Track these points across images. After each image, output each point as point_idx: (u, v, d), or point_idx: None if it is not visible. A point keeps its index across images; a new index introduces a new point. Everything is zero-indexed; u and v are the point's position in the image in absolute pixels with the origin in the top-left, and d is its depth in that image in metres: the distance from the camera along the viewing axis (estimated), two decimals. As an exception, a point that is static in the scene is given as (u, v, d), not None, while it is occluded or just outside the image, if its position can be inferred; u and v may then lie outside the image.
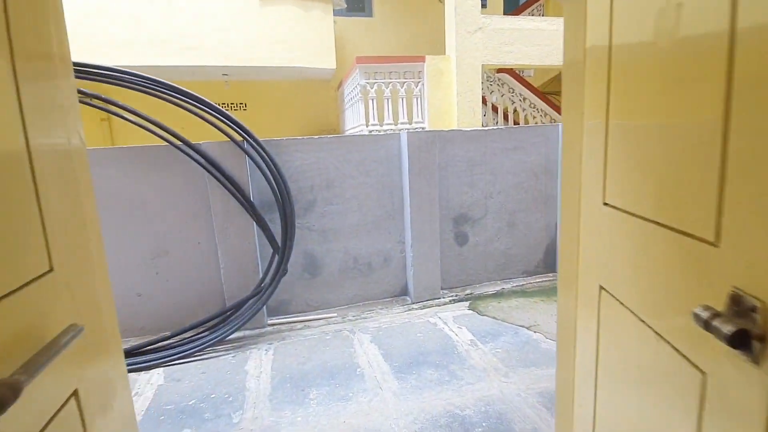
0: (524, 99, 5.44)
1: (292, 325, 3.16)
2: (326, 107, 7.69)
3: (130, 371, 2.56)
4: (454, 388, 2.22)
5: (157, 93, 2.59)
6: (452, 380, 2.30)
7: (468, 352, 2.59)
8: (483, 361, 2.48)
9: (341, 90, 6.81)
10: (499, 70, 5.32)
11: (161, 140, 2.75)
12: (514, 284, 3.80)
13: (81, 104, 2.69)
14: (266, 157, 2.86)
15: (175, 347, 2.78)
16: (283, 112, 7.46)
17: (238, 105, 7.10)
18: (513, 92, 5.38)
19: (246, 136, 2.82)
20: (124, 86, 2.54)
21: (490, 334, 2.83)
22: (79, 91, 2.48)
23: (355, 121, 5.62)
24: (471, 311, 3.27)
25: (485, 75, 5.00)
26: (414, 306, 3.40)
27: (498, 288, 3.71)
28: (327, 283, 3.38)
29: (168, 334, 2.83)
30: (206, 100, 2.69)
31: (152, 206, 2.93)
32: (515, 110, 5.52)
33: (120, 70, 2.52)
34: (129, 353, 2.70)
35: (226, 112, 2.74)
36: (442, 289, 3.59)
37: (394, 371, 2.43)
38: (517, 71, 5.45)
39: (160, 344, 2.78)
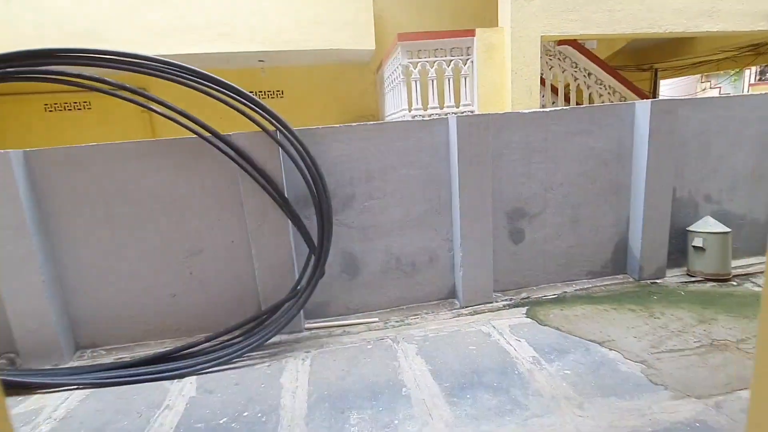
0: (589, 74, 4.81)
1: (331, 330, 2.92)
2: (365, 93, 7.37)
3: (162, 378, 2.43)
4: (518, 421, 1.88)
5: (183, 80, 2.38)
6: (515, 409, 1.96)
7: (531, 373, 2.23)
8: (550, 386, 2.11)
9: (381, 73, 6.44)
10: (560, 42, 4.72)
11: (191, 132, 2.55)
12: (578, 287, 3.35)
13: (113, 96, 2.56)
14: (300, 148, 2.59)
15: (209, 353, 2.63)
16: (320, 99, 7.22)
17: (275, 93, 6.94)
18: (576, 67, 4.76)
19: (278, 125, 2.56)
20: (147, 73, 2.34)
21: (555, 350, 2.44)
22: (101, 80, 2.31)
23: (396, 106, 5.26)
24: (530, 319, 2.88)
25: (543, 48, 4.44)
26: (463, 311, 3.06)
27: (559, 291, 3.29)
28: (367, 285, 3.11)
29: (202, 338, 2.68)
30: (234, 85, 2.45)
31: (185, 202, 2.77)
32: (578, 88, 4.89)
33: (141, 56, 2.32)
34: (162, 358, 2.57)
35: (257, 98, 2.49)
36: (494, 291, 3.22)
37: (444, 393, 2.12)
38: (580, 42, 4.81)
39: (193, 349, 2.64)
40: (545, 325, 2.77)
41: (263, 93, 6.75)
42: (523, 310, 3.03)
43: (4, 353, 2.71)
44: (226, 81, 2.45)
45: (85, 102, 5.93)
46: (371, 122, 2.99)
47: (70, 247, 2.70)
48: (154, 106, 2.42)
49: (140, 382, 2.41)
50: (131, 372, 2.45)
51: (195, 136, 2.55)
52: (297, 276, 2.84)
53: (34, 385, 2.38)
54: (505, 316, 2.96)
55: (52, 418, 2.14)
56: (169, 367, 2.49)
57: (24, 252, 2.53)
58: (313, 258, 2.74)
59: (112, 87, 2.38)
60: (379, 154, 2.95)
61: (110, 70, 2.37)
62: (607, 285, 3.38)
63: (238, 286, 2.91)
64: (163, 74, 2.35)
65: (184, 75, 2.37)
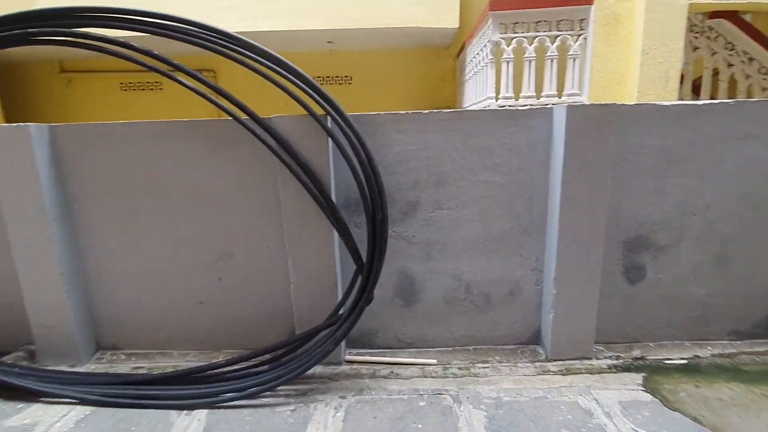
0: (750, 59, 3.62)
1: (376, 368, 2.34)
2: (442, 81, 6.63)
3: (171, 407, 2.02)
4: None
5: (210, 44, 1.90)
6: None
7: (665, 503, 1.46)
8: None
9: (462, 57, 5.68)
10: (712, 15, 3.59)
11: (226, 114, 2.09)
12: (716, 352, 2.43)
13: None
14: (355, 138, 2.01)
15: (229, 379, 2.18)
16: (391, 87, 6.63)
17: (343, 78, 6.47)
18: (733, 49, 3.59)
19: (329, 107, 1.99)
20: (170, 36, 1.90)
21: (700, 464, 1.63)
22: (120, 43, 1.90)
23: (479, 94, 4.49)
24: (649, 395, 2.06)
25: (688, 23, 3.39)
26: (551, 366, 2.31)
27: (688, 355, 2.40)
28: (426, 316, 2.48)
29: (222, 361, 2.25)
30: (274, 54, 1.92)
31: (218, 198, 2.33)
32: (731, 78, 3.72)
33: (159, 14, 1.87)
34: (177, 378, 2.18)
35: (303, 72, 1.94)
36: (596, 343, 2.41)
37: None
38: (741, 16, 3.64)
39: (213, 372, 2.21)
40: (676, 410, 1.94)
41: (330, 78, 6.31)
42: (638, 377, 2.21)
43: (24, 345, 2.51)
44: (249, 40, 1.93)
45: (156, 82, 5.95)
46: (446, 110, 2.32)
47: (94, 238, 2.40)
48: (181, 76, 1.98)
49: (146, 407, 2.03)
50: (140, 393, 2.08)
51: (229, 118, 2.08)
52: (339, 297, 2.29)
53: (37, 392, 2.10)
54: (611, 383, 2.16)
55: (39, 443, 1.81)
56: (182, 393, 2.08)
57: (44, 239, 2.26)
58: (360, 278, 2.17)
59: (132, 52, 1.98)
60: (455, 151, 2.28)
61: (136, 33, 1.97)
62: (760, 353, 2.41)
63: (271, 301, 2.44)
64: (180, 35, 1.89)
65: (207, 35, 1.90)
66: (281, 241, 2.32)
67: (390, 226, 2.21)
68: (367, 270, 2.09)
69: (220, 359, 2.35)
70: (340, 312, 2.24)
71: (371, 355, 2.44)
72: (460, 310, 2.47)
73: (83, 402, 2.06)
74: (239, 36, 1.92)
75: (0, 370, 2.18)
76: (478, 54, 4.46)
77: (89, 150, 2.29)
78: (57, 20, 1.98)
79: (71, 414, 1.99)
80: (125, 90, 5.96)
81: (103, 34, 1.97)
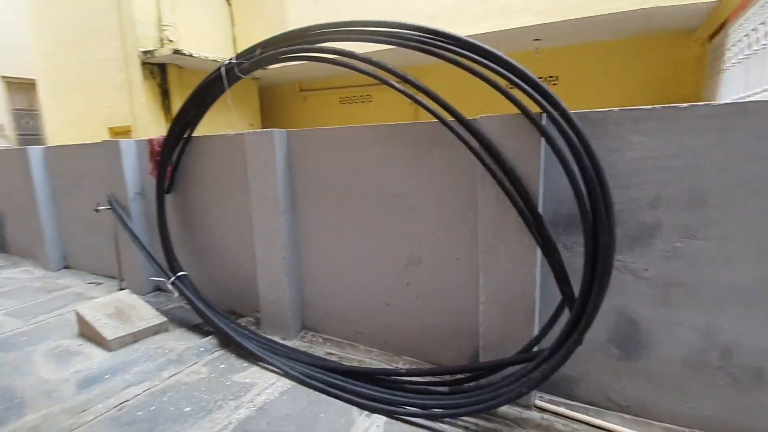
0: None
1: (574, 426, 1.89)
2: (677, 72, 5.28)
3: (355, 404, 2.07)
4: None
5: (432, 48, 1.84)
6: None
7: None
8: None
9: (720, 39, 4.36)
10: None
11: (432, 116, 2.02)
12: None
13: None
14: (576, 140, 1.64)
15: (407, 390, 2.11)
16: (604, 84, 5.65)
17: (547, 78, 5.86)
18: None
19: (547, 104, 1.68)
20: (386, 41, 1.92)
21: None
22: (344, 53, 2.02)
23: (749, 85, 3.32)
24: None
25: None
26: None
27: None
28: (652, 376, 1.87)
29: (403, 369, 2.20)
30: (492, 50, 1.72)
31: (411, 200, 2.31)
32: None
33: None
34: (362, 375, 2.23)
35: (520, 66, 1.68)
36: None
37: None
38: None
39: (394, 377, 2.19)
40: None
41: (533, 78, 5.80)
42: None
43: (254, 312, 3.04)
44: (470, 39, 1.76)
45: (367, 95, 6.68)
46: (715, 103, 1.68)
47: (308, 230, 2.71)
48: (390, 78, 1.99)
49: (333, 396, 2.14)
50: (329, 380, 2.22)
51: (434, 121, 2.00)
52: (536, 330, 1.94)
53: (257, 357, 2.47)
54: None
55: (253, 403, 2.10)
56: (365, 391, 2.11)
57: (274, 227, 2.67)
58: (567, 312, 1.77)
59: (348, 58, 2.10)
60: (726, 160, 1.63)
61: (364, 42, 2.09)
62: None
63: (456, 316, 2.27)
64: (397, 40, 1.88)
65: (428, 38, 1.83)
66: (474, 253, 2.12)
67: (614, 254, 1.74)
68: (581, 305, 1.69)
69: (400, 365, 2.32)
70: (535, 348, 1.89)
71: (569, 407, 1.99)
72: (708, 381, 1.77)
73: (286, 375, 2.32)
74: (460, 36, 1.82)
75: (236, 330, 2.68)
76: (752, 32, 3.29)
77: (311, 151, 2.59)
78: (297, 39, 2.28)
79: (278, 384, 2.27)
80: (343, 103, 6.92)
81: (333, 46, 2.17)
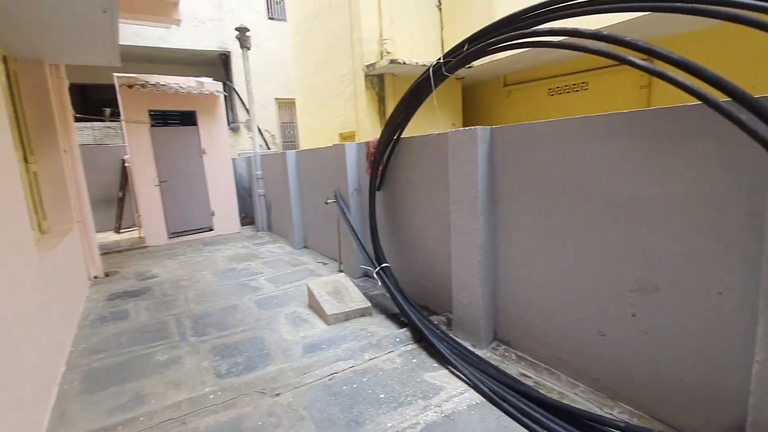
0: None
1: None
2: None
3: (551, 442, 1.77)
4: None
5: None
6: None
7: None
8: None
9: None
10: None
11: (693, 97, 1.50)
12: None
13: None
14: None
15: (625, 447, 1.67)
16: None
17: None
18: None
19: None
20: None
21: None
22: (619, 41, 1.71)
23: None
24: None
25: None
26: None
27: None
28: None
29: (620, 421, 1.75)
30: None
31: (647, 208, 1.80)
32: None
33: None
34: (566, 413, 1.90)
35: None
36: None
37: None
38: None
39: (605, 428, 1.77)
40: None
41: None
42: None
43: (446, 311, 3.03)
44: None
45: (583, 83, 5.77)
46: None
47: (507, 234, 2.49)
48: (628, 54, 1.56)
49: (526, 426, 1.89)
50: (522, 407, 1.97)
51: (696, 103, 1.48)
52: None
53: (447, 360, 2.43)
54: None
55: (441, 408, 2.06)
56: None
57: (472, 227, 2.56)
58: None
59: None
60: None
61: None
62: None
63: (707, 370, 1.65)
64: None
65: None
66: (749, 289, 1.49)
67: None
68: None
69: (615, 413, 1.87)
70: None
71: None
72: None
73: (475, 388, 2.19)
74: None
75: (429, 328, 2.71)
76: None
77: (515, 148, 2.35)
78: (506, 27, 2.08)
79: (466, 395, 2.17)
80: (552, 95, 6.22)
81: (550, 26, 1.88)
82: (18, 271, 2.23)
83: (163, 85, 6.40)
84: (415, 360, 2.53)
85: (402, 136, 3.29)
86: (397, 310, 3.16)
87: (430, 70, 2.74)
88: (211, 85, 6.87)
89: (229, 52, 10.66)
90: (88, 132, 9.16)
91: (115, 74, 6.28)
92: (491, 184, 2.53)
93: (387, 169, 3.52)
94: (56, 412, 2.19)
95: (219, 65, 11.15)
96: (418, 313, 2.90)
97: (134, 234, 7.89)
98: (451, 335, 2.74)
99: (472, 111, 7.81)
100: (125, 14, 4.31)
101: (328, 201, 4.38)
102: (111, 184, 8.58)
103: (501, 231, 2.53)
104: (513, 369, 2.38)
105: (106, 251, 6.48)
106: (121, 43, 9.39)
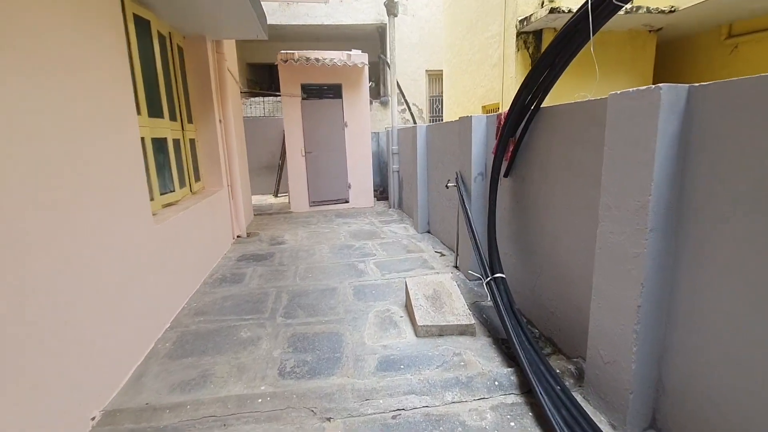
0: None
1: None
2: None
3: None
4: None
5: None
6: None
7: None
8: None
9: None
10: None
11: None
12: None
13: None
14: None
15: None
16: None
17: None
18: None
19: None
20: None
21: None
22: None
23: None
24: None
25: None
26: None
27: None
28: None
29: None
30: None
31: None
32: None
33: None
34: None
35: None
36: None
37: None
38: None
39: None
40: None
41: None
42: None
43: (579, 356, 2.13)
44: None
45: None
46: None
47: (700, 271, 1.47)
48: None
49: None
50: None
51: None
52: None
53: (561, 440, 1.63)
54: None
55: None
56: None
57: (632, 249, 1.62)
58: None
59: None
60: None
61: None
62: None
63: None
64: None
65: None
66: None
67: None
68: None
69: None
70: None
71: None
72: None
73: None
74: None
75: (545, 380, 1.90)
76: None
77: (745, 125, 1.30)
78: None
79: None
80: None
81: None
82: (130, 234, 2.36)
83: (315, 59, 6.60)
84: (514, 424, 1.79)
85: (543, 106, 2.40)
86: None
87: (589, 2, 1.81)
88: (357, 56, 6.80)
89: (385, 24, 10.57)
90: (260, 105, 10.41)
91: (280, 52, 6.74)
92: (678, 183, 1.52)
93: (519, 149, 2.68)
94: (138, 372, 2.27)
95: (376, 39, 11.22)
96: (533, 350, 2.10)
97: (286, 199, 8.71)
98: (578, 397, 1.88)
99: (668, 76, 5.85)
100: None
101: (449, 185, 3.74)
102: (274, 152, 9.61)
103: (688, 263, 1.52)
104: (678, 493, 1.44)
105: (260, 213, 7.25)
106: (290, 23, 10.16)
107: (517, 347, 2.08)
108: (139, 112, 2.95)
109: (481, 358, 2.29)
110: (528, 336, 2.22)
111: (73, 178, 1.91)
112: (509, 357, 2.28)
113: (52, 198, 1.75)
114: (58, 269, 1.75)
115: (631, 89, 1.62)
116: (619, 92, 1.67)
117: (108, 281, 2.14)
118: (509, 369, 2.12)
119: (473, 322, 2.57)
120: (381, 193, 8.41)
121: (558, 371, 2.04)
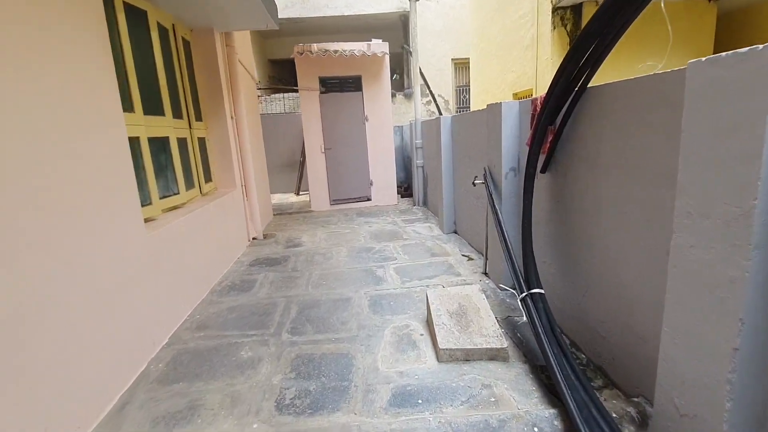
0: None
1: None
2: None
3: None
4: None
5: None
6: None
7: None
8: None
9: None
10: None
11: None
12: None
13: None
14: None
15: None
16: None
17: None
18: None
19: None
20: None
21: None
22: None
23: None
24: None
25: None
26: None
27: None
28: None
29: None
30: None
31: None
32: None
33: None
34: None
35: None
36: None
37: None
38: None
39: None
40: None
41: None
42: None
43: (641, 394, 1.70)
44: None
45: None
46: None
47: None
48: None
49: None
50: None
51: None
52: None
53: None
54: None
55: None
56: None
57: (725, 273, 1.19)
58: None
59: None
60: None
61: None
62: None
63: None
64: None
65: None
66: None
67: None
68: None
69: None
70: None
71: None
72: None
73: None
74: None
75: (595, 425, 1.50)
76: None
77: None
78: None
79: None
80: None
81: None
82: (116, 246, 2.12)
83: (333, 50, 6.28)
84: (558, 489, 1.41)
85: (591, 86, 1.97)
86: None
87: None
88: (377, 45, 6.42)
89: (408, 11, 10.12)
90: (280, 102, 10.23)
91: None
92: (801, 179, 1.08)
93: (560, 139, 2.25)
94: (122, 400, 2.03)
95: (399, 29, 10.79)
96: (581, 386, 1.70)
97: (308, 197, 8.48)
98: (644, 456, 1.47)
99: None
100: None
101: (476, 182, 3.33)
102: (295, 149, 9.40)
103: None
104: None
105: (280, 212, 7.04)
106: (310, 15, 9.84)
107: (562, 382, 1.69)
108: (132, 110, 2.72)
109: (515, 393, 1.90)
110: (574, 366, 1.82)
111: (38, 183, 1.67)
112: (550, 391, 1.88)
113: (9, 209, 1.50)
114: (21, 289, 1.51)
115: (723, 53, 1.18)
116: (704, 59, 1.24)
117: (89, 301, 1.90)
118: (552, 411, 1.73)
119: (505, 345, 2.17)
120: (405, 189, 8.04)
121: (615, 415, 1.63)
